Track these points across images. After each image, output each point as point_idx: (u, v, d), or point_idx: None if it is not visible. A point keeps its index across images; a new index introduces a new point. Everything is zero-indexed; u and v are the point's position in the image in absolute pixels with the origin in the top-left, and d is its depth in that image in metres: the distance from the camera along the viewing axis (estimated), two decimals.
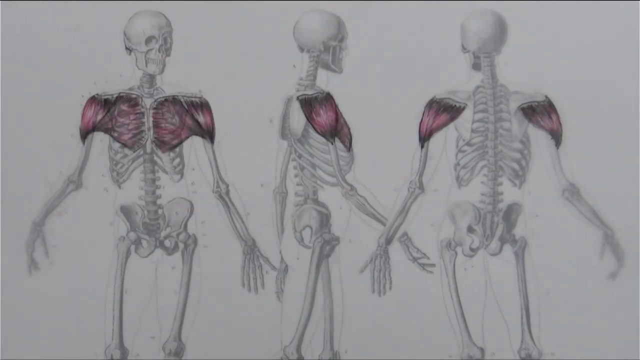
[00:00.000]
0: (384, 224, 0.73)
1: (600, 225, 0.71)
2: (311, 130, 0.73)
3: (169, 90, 0.73)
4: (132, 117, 0.73)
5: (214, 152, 0.73)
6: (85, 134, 0.73)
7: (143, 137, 0.73)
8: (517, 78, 0.71)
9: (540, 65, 0.70)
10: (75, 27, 0.72)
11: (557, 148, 0.71)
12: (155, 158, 0.74)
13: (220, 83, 0.72)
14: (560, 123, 0.70)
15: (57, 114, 0.73)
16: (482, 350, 0.74)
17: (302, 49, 0.72)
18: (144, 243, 0.75)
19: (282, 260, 0.74)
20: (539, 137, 0.72)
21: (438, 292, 0.74)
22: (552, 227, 0.72)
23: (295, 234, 0.74)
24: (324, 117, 0.72)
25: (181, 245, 0.75)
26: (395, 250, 0.74)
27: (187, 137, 0.73)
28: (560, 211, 0.72)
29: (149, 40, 0.72)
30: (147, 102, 0.73)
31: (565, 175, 0.71)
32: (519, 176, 0.72)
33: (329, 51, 0.71)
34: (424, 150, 0.72)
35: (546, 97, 0.71)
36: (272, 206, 0.73)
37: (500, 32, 0.70)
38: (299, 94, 0.72)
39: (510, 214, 0.73)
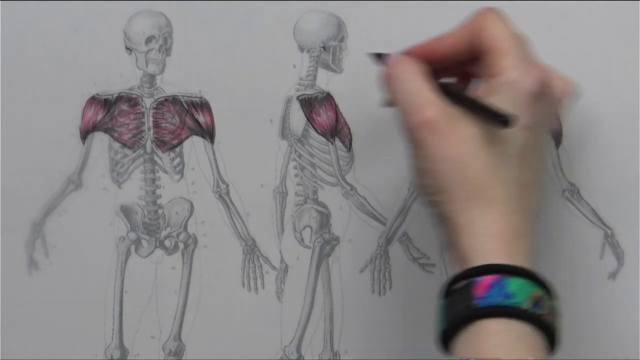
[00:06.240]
0: (384, 224, 0.73)
1: (600, 225, 0.71)
2: (311, 130, 0.73)
3: (169, 90, 0.73)
4: (132, 117, 0.73)
5: (214, 152, 0.73)
6: (85, 133, 0.73)
7: (143, 137, 0.73)
8: None
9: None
10: (74, 27, 0.72)
11: (557, 148, 0.71)
12: (155, 158, 0.74)
13: (220, 83, 0.72)
14: (560, 123, 0.70)
15: (57, 114, 0.73)
16: None
17: (302, 49, 0.72)
18: (144, 243, 0.75)
19: (282, 260, 0.74)
20: None
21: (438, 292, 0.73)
22: (552, 227, 0.72)
23: (295, 234, 0.74)
24: (324, 117, 0.72)
25: (181, 245, 0.75)
26: (395, 250, 0.74)
27: (187, 137, 0.73)
28: (560, 211, 0.72)
29: (149, 40, 0.72)
30: (147, 102, 0.73)
31: (565, 174, 0.71)
32: None
33: (329, 51, 0.71)
34: None
35: None
36: (272, 206, 0.73)
37: None
38: (299, 94, 0.72)
39: None
